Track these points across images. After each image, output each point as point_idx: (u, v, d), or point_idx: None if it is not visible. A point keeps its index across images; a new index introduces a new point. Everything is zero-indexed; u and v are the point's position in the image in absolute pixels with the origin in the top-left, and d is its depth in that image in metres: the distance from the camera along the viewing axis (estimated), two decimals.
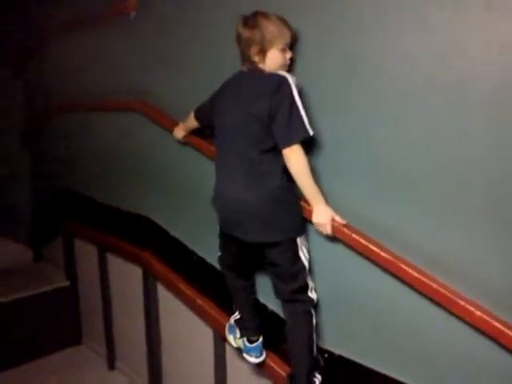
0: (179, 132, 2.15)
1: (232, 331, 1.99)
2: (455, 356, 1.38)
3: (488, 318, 1.25)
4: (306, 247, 1.68)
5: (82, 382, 3.10)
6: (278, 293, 1.75)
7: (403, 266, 1.42)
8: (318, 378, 1.71)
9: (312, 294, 1.69)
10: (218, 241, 1.88)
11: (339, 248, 1.62)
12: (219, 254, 1.91)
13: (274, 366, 1.89)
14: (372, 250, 1.49)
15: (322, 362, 1.74)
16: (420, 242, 1.42)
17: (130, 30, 2.52)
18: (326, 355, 1.72)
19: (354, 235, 1.54)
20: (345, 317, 1.68)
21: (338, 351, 1.71)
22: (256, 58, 1.62)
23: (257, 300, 1.96)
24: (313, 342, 1.69)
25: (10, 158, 3.89)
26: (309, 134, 1.56)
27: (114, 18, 2.61)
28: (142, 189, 2.60)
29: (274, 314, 1.91)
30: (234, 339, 1.98)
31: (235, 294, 1.94)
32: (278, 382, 1.89)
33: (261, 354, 1.88)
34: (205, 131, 2.03)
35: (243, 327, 1.92)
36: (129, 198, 2.73)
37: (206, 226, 2.10)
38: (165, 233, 2.42)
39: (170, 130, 2.20)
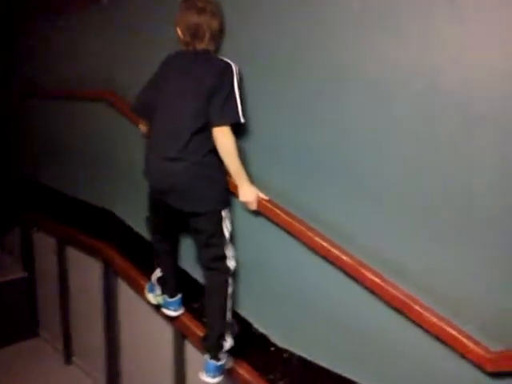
0: (143, 127, 2.12)
1: (152, 290, 2.14)
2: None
3: (443, 325, 1.29)
4: (229, 220, 1.80)
5: (37, 375, 3.04)
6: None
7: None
8: (228, 342, 1.81)
9: (230, 264, 1.81)
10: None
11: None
12: (147, 215, 2.03)
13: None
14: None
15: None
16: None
17: (102, 18, 2.47)
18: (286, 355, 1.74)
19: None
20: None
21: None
22: (208, 42, 1.77)
23: (176, 262, 2.09)
24: (226, 308, 1.81)
25: None
26: (240, 121, 1.71)
27: (87, 5, 2.54)
28: (108, 183, 2.56)
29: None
30: (154, 297, 2.12)
31: (159, 255, 2.06)
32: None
33: (179, 308, 2.04)
34: None
35: (164, 285, 2.06)
36: (94, 192, 2.68)
37: None
38: (128, 228, 2.40)
39: (138, 124, 2.17)
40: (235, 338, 1.83)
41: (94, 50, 2.57)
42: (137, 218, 2.37)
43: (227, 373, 1.84)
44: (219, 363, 1.77)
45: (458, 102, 1.25)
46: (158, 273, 2.10)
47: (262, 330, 1.83)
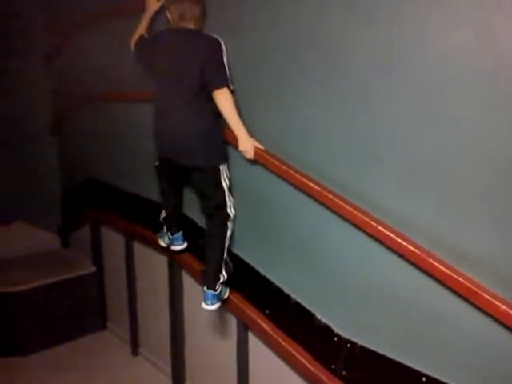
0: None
1: (161, 236, 2.53)
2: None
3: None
4: (227, 174, 2.13)
5: (106, 367, 3.17)
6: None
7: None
8: (223, 275, 2.15)
9: (230, 211, 2.14)
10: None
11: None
12: (156, 164, 2.34)
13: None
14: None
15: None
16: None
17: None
18: (349, 345, 1.75)
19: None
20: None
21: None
22: (194, 24, 2.08)
23: (179, 205, 2.45)
24: (224, 248, 2.14)
25: (39, 146, 3.98)
26: (230, 86, 1.99)
27: (136, 13, 2.62)
28: None
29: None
30: (163, 240, 2.52)
31: (165, 197, 2.42)
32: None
33: (183, 243, 2.43)
34: None
35: (168, 224, 2.44)
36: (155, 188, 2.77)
37: (237, 221, 2.20)
38: (192, 223, 2.47)
39: None
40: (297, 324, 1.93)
41: None
42: (200, 213, 2.45)
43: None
44: (216, 292, 2.12)
45: None
46: (163, 213, 2.46)
47: (325, 320, 1.84)
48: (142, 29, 2.38)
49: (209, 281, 2.13)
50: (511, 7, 1.24)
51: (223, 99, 1.99)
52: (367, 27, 1.58)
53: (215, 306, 2.13)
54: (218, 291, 2.13)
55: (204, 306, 2.12)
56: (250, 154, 1.99)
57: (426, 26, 1.42)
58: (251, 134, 2.01)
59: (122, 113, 3.01)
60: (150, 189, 2.72)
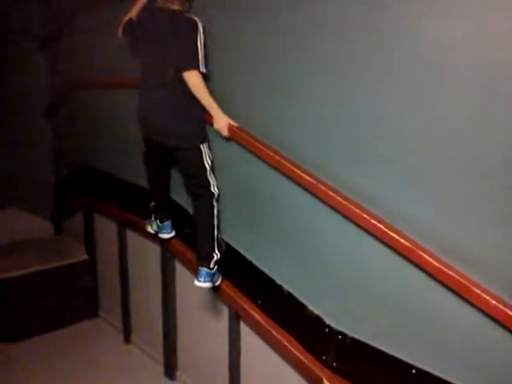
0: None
1: (150, 223, 2.58)
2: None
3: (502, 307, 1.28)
4: (209, 154, 2.18)
5: (97, 354, 3.17)
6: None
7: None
8: (216, 254, 2.18)
9: (214, 190, 2.19)
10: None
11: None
12: (144, 151, 2.41)
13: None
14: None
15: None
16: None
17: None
18: (340, 337, 1.76)
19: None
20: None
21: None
22: (179, 5, 2.11)
23: (167, 193, 2.49)
24: (213, 226, 2.19)
25: (34, 133, 3.95)
26: (200, 69, 2.03)
27: None
28: None
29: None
30: (151, 227, 2.57)
31: (152, 185, 2.48)
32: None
33: (171, 231, 2.49)
34: None
35: (157, 212, 2.49)
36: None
37: (229, 209, 2.21)
38: (185, 212, 2.47)
39: None
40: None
41: None
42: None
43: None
44: (210, 271, 2.14)
45: None
46: (152, 202, 2.52)
47: (316, 311, 1.85)
48: (131, 13, 2.35)
49: (202, 259, 2.16)
50: (509, 4, 1.23)
51: (191, 81, 2.04)
52: (366, 24, 1.56)
53: (208, 284, 2.14)
54: (213, 271, 2.16)
55: (197, 282, 2.14)
56: (224, 132, 2.05)
57: (426, 25, 1.41)
58: (248, 123, 2.01)
59: (114, 100, 2.98)
60: (144, 176, 2.71)
